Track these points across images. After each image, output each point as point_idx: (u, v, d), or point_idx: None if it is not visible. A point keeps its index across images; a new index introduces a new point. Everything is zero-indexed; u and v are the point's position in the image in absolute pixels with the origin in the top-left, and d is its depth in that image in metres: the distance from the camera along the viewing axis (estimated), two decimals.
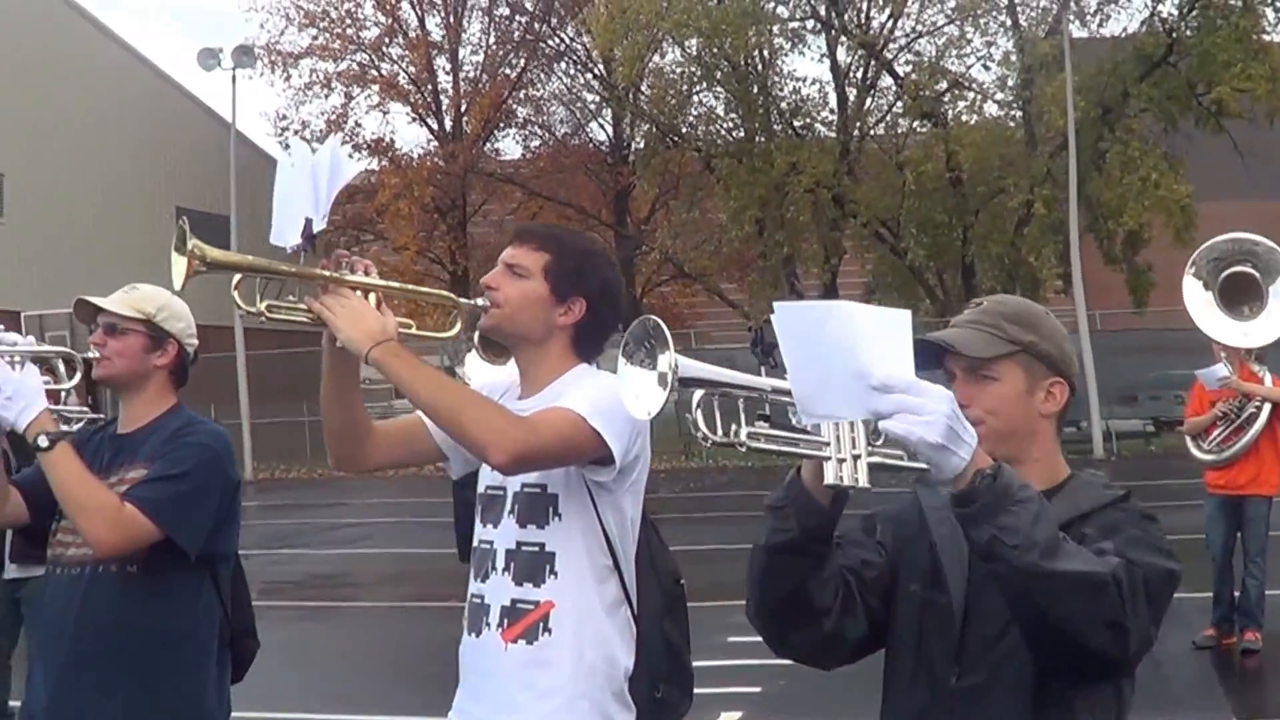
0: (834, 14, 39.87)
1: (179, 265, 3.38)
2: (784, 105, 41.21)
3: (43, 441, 4.02)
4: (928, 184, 37.37)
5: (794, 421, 2.68)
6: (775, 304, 2.63)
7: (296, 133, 45.92)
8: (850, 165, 39.44)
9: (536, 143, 47.86)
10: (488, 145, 46.60)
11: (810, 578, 2.92)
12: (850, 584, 3.03)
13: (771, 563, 2.91)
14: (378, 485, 31.62)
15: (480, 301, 3.74)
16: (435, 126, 46.57)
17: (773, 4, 39.51)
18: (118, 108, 41.37)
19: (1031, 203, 35.58)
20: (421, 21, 47.02)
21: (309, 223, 3.47)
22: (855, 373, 2.56)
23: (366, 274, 3.52)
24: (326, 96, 46.72)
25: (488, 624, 3.71)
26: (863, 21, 40.64)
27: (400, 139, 49.51)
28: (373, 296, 3.51)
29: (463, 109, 46.06)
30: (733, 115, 41.46)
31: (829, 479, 2.62)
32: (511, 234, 3.93)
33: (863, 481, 2.60)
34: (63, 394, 4.94)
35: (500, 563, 3.70)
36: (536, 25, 46.37)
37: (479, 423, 3.38)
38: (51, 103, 38.89)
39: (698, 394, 2.73)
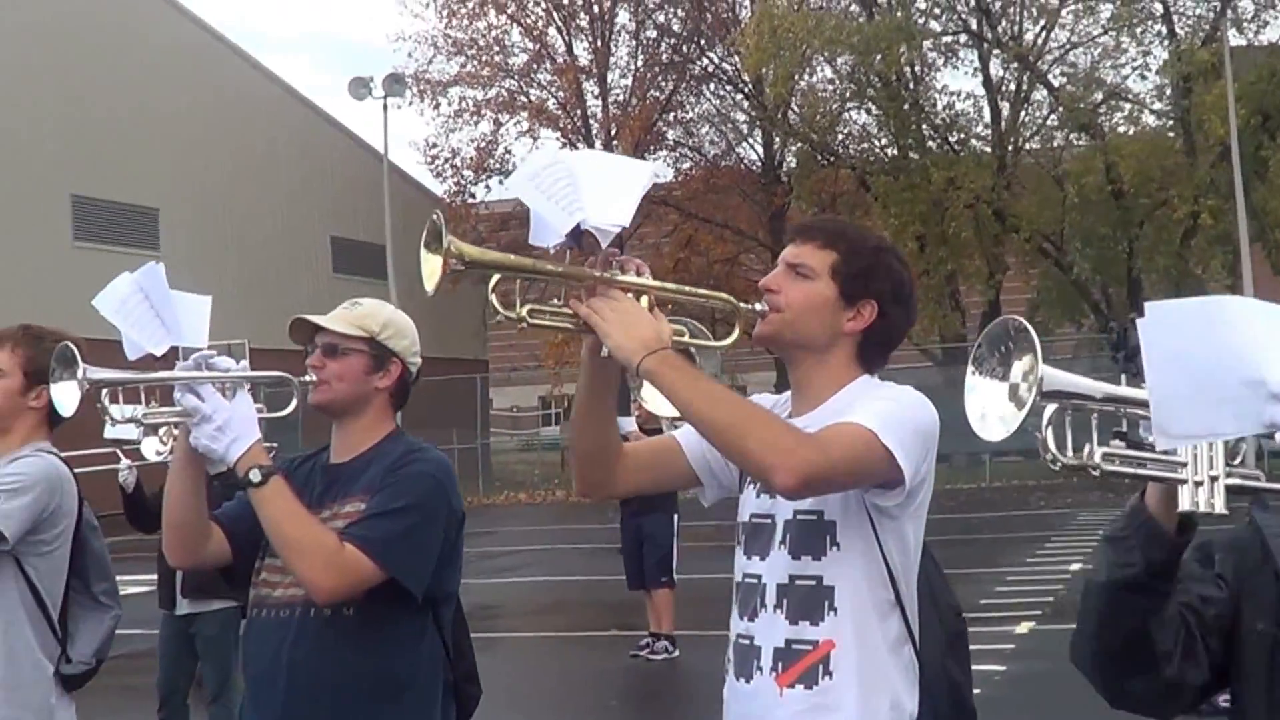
0: (987, 27, 39.38)
1: (431, 264, 3.03)
2: (937, 121, 40.79)
3: (255, 476, 3.71)
4: (1089, 196, 36.73)
5: (1146, 439, 2.41)
6: (1147, 304, 2.28)
7: (447, 160, 46.31)
8: (1008, 180, 38.89)
9: (687, 165, 47.83)
10: None
11: (1151, 618, 2.64)
12: (1189, 624, 2.70)
13: (1112, 602, 2.64)
14: (527, 512, 31.66)
15: (759, 306, 3.35)
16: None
17: (924, 19, 39.14)
18: (270, 141, 41.99)
19: (1197, 214, 34.84)
20: (569, 47, 47.29)
21: (577, 222, 3.09)
22: (1246, 380, 2.22)
23: (639, 274, 3.16)
24: (476, 124, 47.00)
25: (759, 667, 3.30)
26: (1016, 34, 40.08)
27: None
28: (645, 299, 3.16)
29: (613, 132, 46.06)
30: (885, 132, 41.16)
31: (1185, 504, 2.40)
32: (792, 231, 3.55)
33: (1219, 507, 2.36)
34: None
35: (771, 599, 3.30)
36: (684, 47, 46.33)
37: (764, 441, 3.00)
38: (204, 137, 39.51)
39: (1049, 409, 2.43)
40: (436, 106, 46.61)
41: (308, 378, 3.96)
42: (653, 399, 8.25)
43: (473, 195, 46.63)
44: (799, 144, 42.42)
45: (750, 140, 47.92)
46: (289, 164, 42.45)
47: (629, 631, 13.59)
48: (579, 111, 46.78)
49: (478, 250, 3.10)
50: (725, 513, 3.57)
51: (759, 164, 47.21)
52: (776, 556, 3.32)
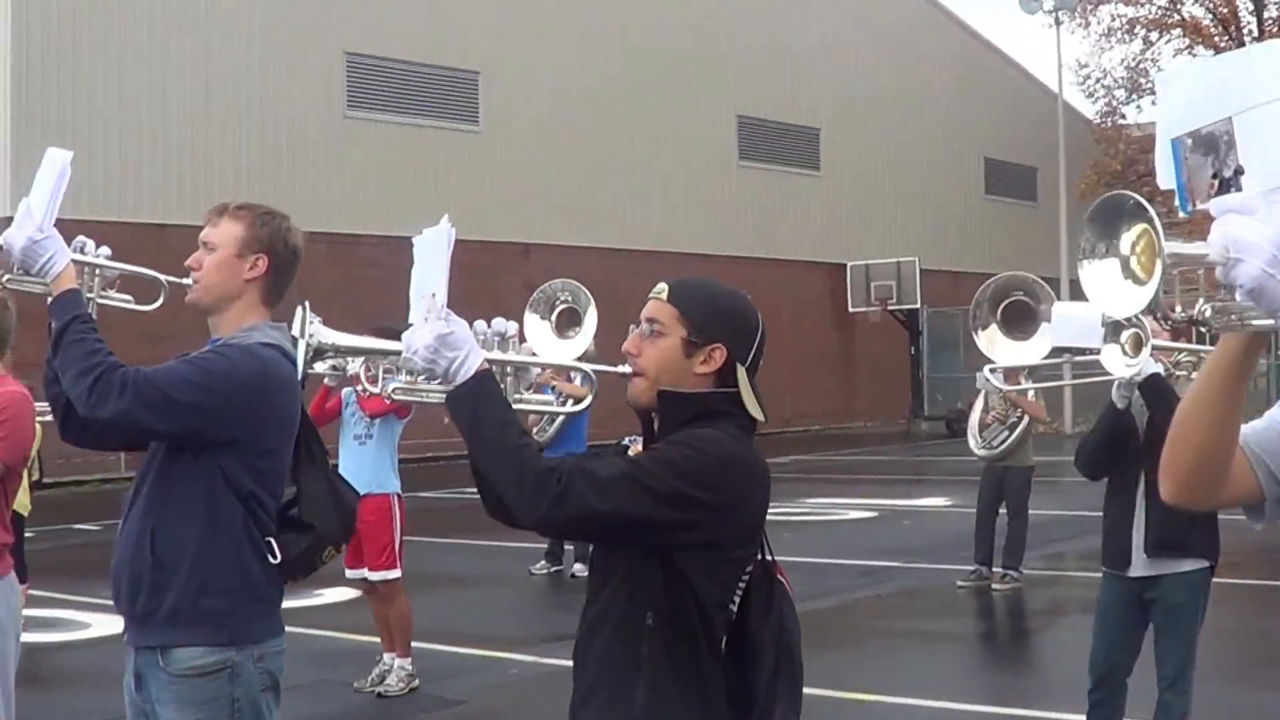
0: None
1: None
2: None
3: None
4: None
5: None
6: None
7: (1098, 80, 46.21)
8: None
9: None
10: None
11: None
12: None
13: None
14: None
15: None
16: None
17: None
18: (928, 64, 43.03)
19: None
20: None
21: None
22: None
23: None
24: (1128, 43, 46.74)
25: None
26: None
27: None
28: None
29: None
30: None
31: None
32: None
33: None
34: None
35: None
36: None
37: None
38: (862, 62, 41.09)
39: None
40: (1085, 25, 46.55)
41: None
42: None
43: (1123, 116, 46.52)
44: None
45: None
46: (945, 87, 43.45)
47: None
48: (1234, 28, 45.71)
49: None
50: None
51: None
52: None
